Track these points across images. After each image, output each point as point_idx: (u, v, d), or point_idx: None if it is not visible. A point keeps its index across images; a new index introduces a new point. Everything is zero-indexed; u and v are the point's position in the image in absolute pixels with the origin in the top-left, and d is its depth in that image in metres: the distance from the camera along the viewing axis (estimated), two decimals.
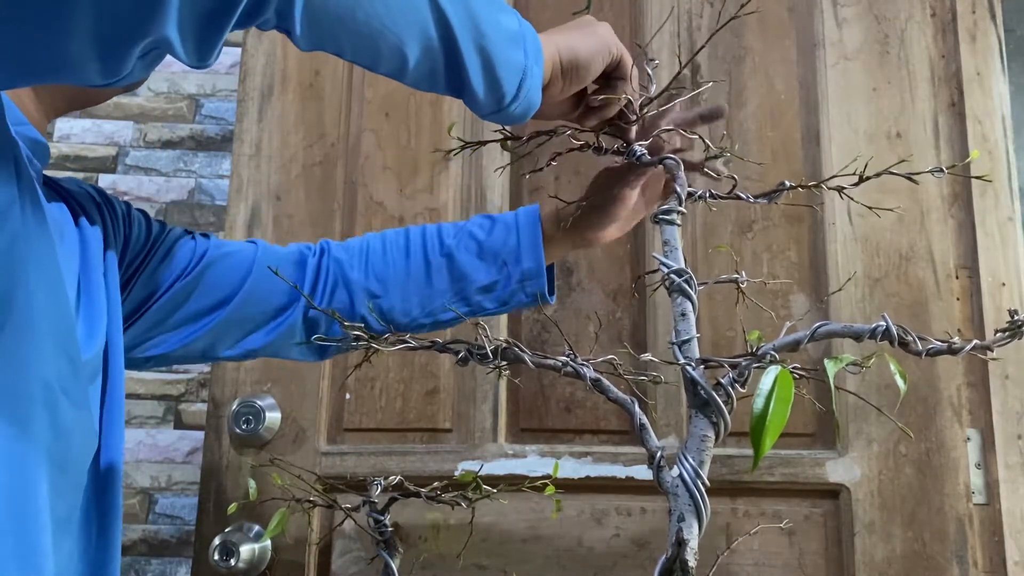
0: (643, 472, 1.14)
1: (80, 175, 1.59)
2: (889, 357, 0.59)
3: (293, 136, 1.29)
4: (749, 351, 0.60)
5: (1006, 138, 1.22)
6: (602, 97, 0.69)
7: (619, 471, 1.15)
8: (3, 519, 0.51)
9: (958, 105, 1.23)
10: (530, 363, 0.63)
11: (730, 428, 0.60)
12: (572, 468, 1.16)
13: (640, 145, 0.74)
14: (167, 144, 1.62)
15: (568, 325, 1.21)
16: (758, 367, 0.59)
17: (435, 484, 0.75)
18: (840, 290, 1.15)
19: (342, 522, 1.12)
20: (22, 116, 0.64)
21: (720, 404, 0.59)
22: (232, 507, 0.82)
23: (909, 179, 0.67)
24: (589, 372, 0.62)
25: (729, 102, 1.26)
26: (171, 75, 1.65)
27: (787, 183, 0.69)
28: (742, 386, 0.59)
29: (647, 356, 0.65)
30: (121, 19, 0.40)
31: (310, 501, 0.79)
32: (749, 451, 1.13)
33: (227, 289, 0.83)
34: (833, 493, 1.14)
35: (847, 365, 0.58)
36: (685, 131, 0.78)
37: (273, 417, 1.19)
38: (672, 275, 0.64)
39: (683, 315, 0.63)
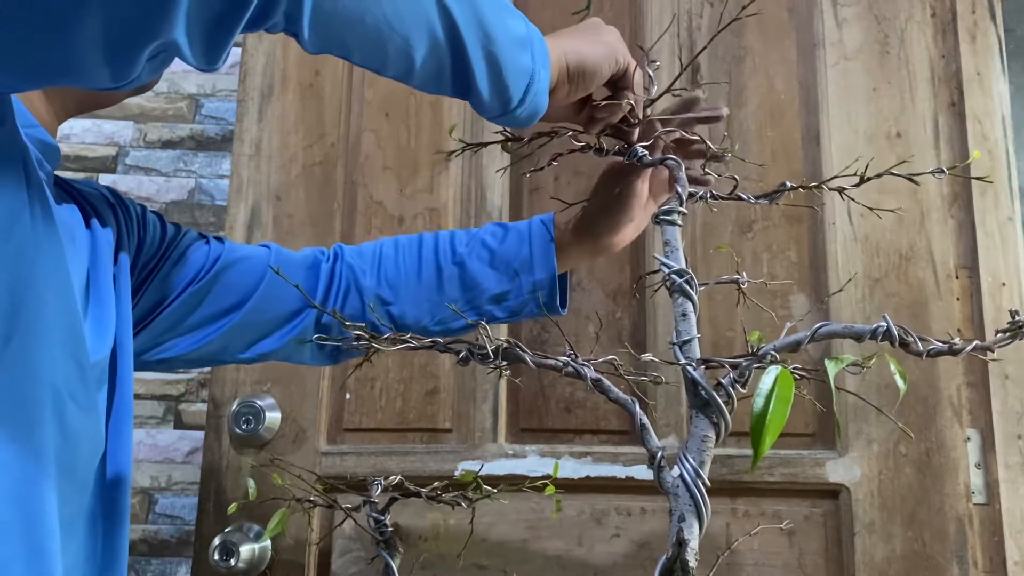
0: (643, 472, 1.14)
1: (80, 175, 1.59)
2: (889, 357, 0.59)
3: (293, 136, 1.29)
4: (750, 351, 0.60)
5: (1006, 138, 1.22)
6: (606, 102, 0.69)
7: (619, 471, 1.15)
8: (12, 522, 0.51)
9: (958, 105, 1.23)
10: (531, 363, 0.63)
11: (730, 428, 0.60)
12: (572, 468, 1.15)
13: (641, 146, 0.74)
14: (167, 144, 1.62)
15: (568, 325, 1.21)
16: (759, 367, 0.59)
17: (435, 484, 0.75)
18: (841, 291, 1.15)
19: (342, 522, 1.12)
20: (32, 118, 0.64)
21: (721, 404, 0.59)
22: (232, 507, 0.82)
23: (910, 180, 0.67)
24: (590, 372, 0.62)
25: (729, 102, 1.26)
26: (171, 75, 1.65)
27: (788, 183, 0.69)
28: (743, 386, 0.59)
29: (648, 356, 0.65)
30: (130, 22, 0.40)
31: (310, 501, 0.79)
32: (749, 451, 1.13)
33: (241, 293, 0.83)
34: (833, 493, 1.14)
35: (848, 366, 0.58)
36: (686, 131, 0.78)
37: (273, 417, 1.19)
38: (673, 275, 0.64)
39: (684, 315, 0.63)
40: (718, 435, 0.59)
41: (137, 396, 1.52)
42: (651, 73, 0.74)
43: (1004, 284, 1.17)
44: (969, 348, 0.55)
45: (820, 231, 1.21)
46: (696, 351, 0.62)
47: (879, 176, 0.67)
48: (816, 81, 1.25)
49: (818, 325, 0.58)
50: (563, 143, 0.75)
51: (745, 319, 1.12)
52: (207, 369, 1.47)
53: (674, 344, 0.63)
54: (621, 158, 0.75)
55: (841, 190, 0.69)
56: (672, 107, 0.80)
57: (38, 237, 0.54)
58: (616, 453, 1.16)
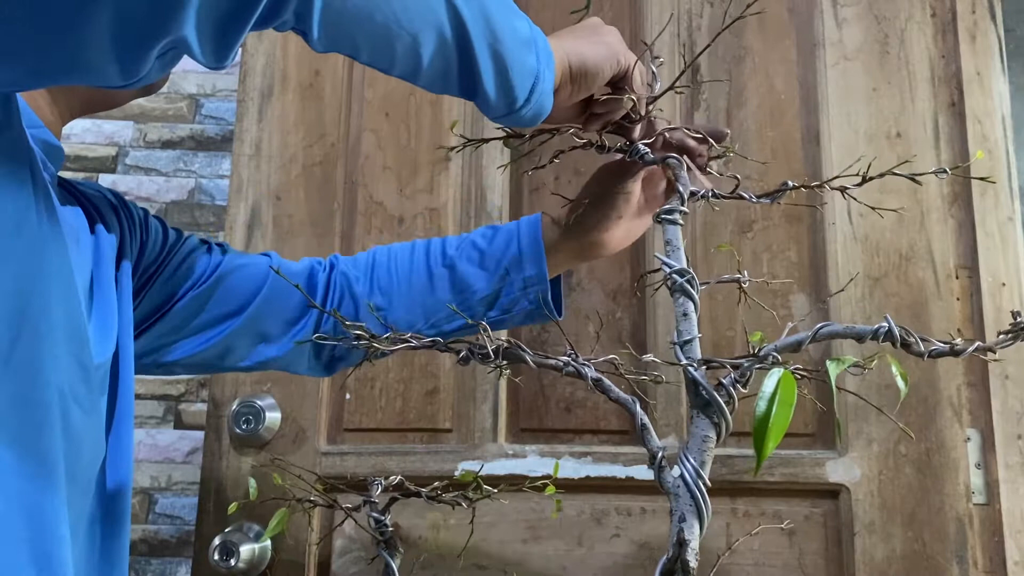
0: (643, 472, 1.14)
1: (80, 175, 1.59)
2: (891, 358, 0.59)
3: (293, 136, 1.29)
4: (751, 352, 0.60)
5: (1006, 138, 1.22)
6: (606, 97, 0.69)
7: (619, 471, 1.15)
8: (20, 529, 0.51)
9: (958, 105, 1.23)
10: (531, 363, 0.62)
11: (731, 429, 0.60)
12: (572, 468, 1.15)
13: (643, 144, 0.74)
14: (167, 144, 1.62)
15: (568, 325, 1.21)
16: (760, 368, 0.59)
17: (435, 484, 0.75)
18: (842, 291, 1.15)
19: (342, 522, 1.12)
20: (37, 119, 0.64)
21: (722, 405, 0.59)
22: (232, 507, 0.82)
23: (912, 180, 0.67)
24: (591, 372, 0.62)
25: (729, 102, 1.26)
26: (171, 75, 1.65)
27: (790, 183, 0.69)
28: (743, 386, 0.59)
29: (649, 357, 0.65)
30: (140, 19, 0.40)
31: (310, 501, 0.79)
32: (750, 451, 1.13)
33: (241, 299, 0.83)
34: (833, 493, 1.14)
35: (850, 367, 0.58)
36: (688, 131, 0.78)
37: (273, 417, 1.19)
38: (674, 275, 0.64)
39: (685, 315, 0.63)
40: (719, 435, 0.59)
41: (137, 396, 1.52)
42: (654, 69, 0.74)
43: (1004, 284, 1.17)
44: (971, 349, 0.55)
45: (820, 231, 1.21)
46: (697, 351, 0.62)
47: (881, 176, 0.66)
48: (816, 81, 1.25)
49: (820, 326, 0.58)
50: (564, 140, 0.75)
51: (746, 319, 1.12)
52: None
53: (675, 344, 0.63)
54: (622, 155, 0.75)
55: (843, 190, 0.69)
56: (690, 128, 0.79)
57: (44, 238, 0.54)
58: (616, 453, 1.16)
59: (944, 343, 0.55)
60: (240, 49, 1.51)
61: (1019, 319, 0.53)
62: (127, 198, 0.79)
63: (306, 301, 0.84)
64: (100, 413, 0.62)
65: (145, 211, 0.80)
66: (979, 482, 1.13)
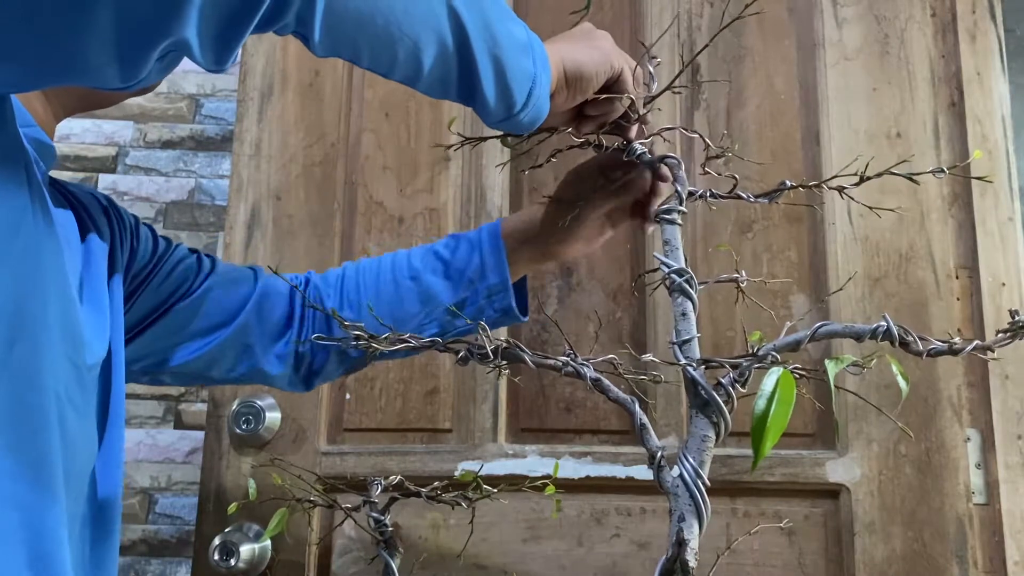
0: (643, 472, 1.14)
1: (80, 175, 1.59)
2: (891, 358, 0.59)
3: (293, 136, 1.29)
4: (750, 351, 0.60)
5: (1006, 138, 1.22)
6: (604, 96, 0.70)
7: (619, 471, 1.15)
8: (16, 531, 0.50)
9: (958, 105, 1.23)
10: (530, 363, 0.63)
11: (730, 428, 0.60)
12: (572, 468, 1.15)
13: (640, 143, 0.74)
14: (167, 144, 1.62)
15: (568, 325, 1.21)
16: (759, 367, 0.59)
17: (435, 484, 0.75)
18: (840, 290, 1.15)
19: (342, 522, 1.12)
20: (30, 118, 0.64)
21: (721, 404, 0.59)
22: (232, 507, 0.82)
23: (910, 179, 0.67)
24: (589, 372, 0.62)
25: (729, 102, 1.26)
26: (171, 75, 1.65)
27: (788, 183, 0.69)
28: (742, 386, 0.59)
29: (648, 356, 0.65)
30: (142, 20, 0.40)
31: (310, 501, 0.79)
32: (749, 451, 1.13)
33: (229, 312, 0.84)
34: (833, 493, 1.14)
35: (848, 366, 0.58)
36: (686, 130, 0.78)
37: (273, 417, 1.19)
38: (673, 275, 0.64)
39: (684, 315, 0.63)
40: (718, 435, 0.59)
41: (137, 396, 1.52)
42: (651, 69, 0.75)
43: (1004, 284, 1.17)
44: (969, 348, 0.55)
45: (820, 231, 1.21)
46: (696, 350, 0.62)
47: (879, 175, 0.66)
48: (816, 81, 1.25)
49: (818, 325, 0.58)
50: (562, 139, 0.75)
51: (746, 319, 1.12)
52: None
53: (674, 344, 0.63)
54: (620, 155, 0.76)
55: (841, 189, 0.69)
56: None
57: (40, 239, 0.53)
58: (616, 453, 1.16)
59: (943, 342, 0.55)
60: (240, 50, 1.51)
61: (1017, 318, 0.53)
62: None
63: (288, 316, 0.86)
64: (93, 415, 0.62)
65: (136, 217, 0.81)
66: (979, 482, 1.13)
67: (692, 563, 0.56)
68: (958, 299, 1.18)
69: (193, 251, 0.85)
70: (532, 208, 0.89)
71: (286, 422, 1.20)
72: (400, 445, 1.20)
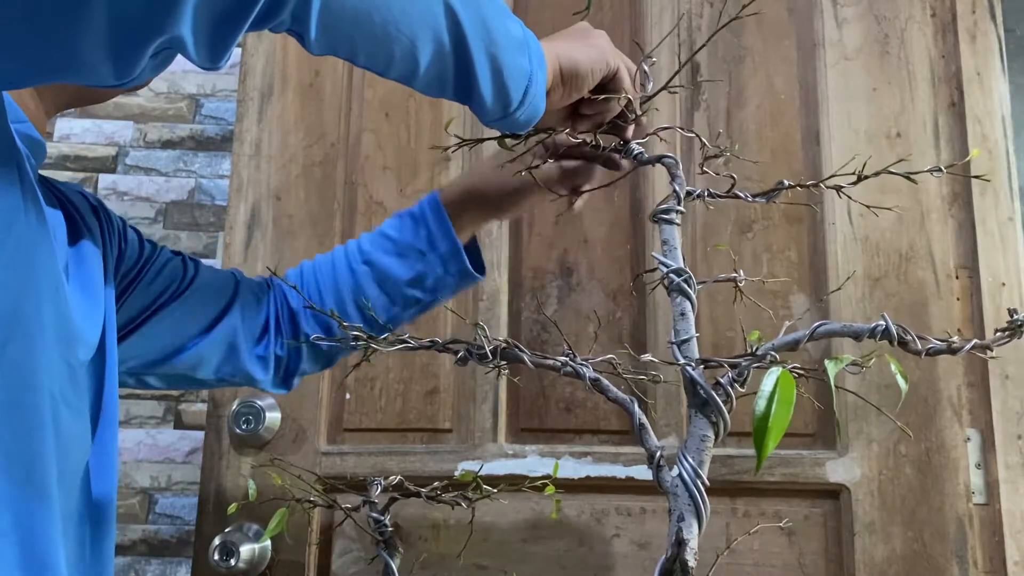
0: (643, 472, 1.14)
1: (80, 175, 1.59)
2: (890, 357, 0.59)
3: (293, 136, 1.29)
4: (749, 351, 0.60)
5: (1006, 138, 1.22)
6: (602, 97, 0.70)
7: (619, 471, 1.15)
8: (10, 533, 0.50)
9: (958, 105, 1.23)
10: (529, 363, 0.63)
11: (729, 428, 0.60)
12: (572, 468, 1.15)
13: (637, 143, 0.74)
14: (167, 144, 1.62)
15: (568, 325, 1.21)
16: (758, 367, 0.59)
17: (435, 484, 0.75)
18: (839, 290, 1.15)
19: (342, 522, 1.12)
20: (21, 114, 0.64)
21: (720, 404, 0.59)
22: (232, 507, 0.82)
23: (908, 179, 0.67)
24: (588, 372, 0.62)
25: (729, 102, 1.26)
26: (171, 75, 1.65)
27: (786, 182, 0.69)
28: (741, 386, 0.59)
29: (647, 356, 0.65)
30: (136, 17, 0.40)
31: (310, 501, 0.79)
32: (749, 451, 1.13)
33: (212, 314, 0.85)
34: (833, 493, 1.14)
35: (847, 365, 0.58)
36: (684, 129, 0.78)
37: (273, 417, 1.19)
38: (671, 275, 0.64)
39: (682, 315, 0.63)
40: (717, 435, 0.59)
41: (137, 396, 1.52)
42: (646, 68, 0.75)
43: (1004, 284, 1.17)
44: (968, 347, 0.55)
45: (820, 231, 1.21)
46: (695, 350, 0.62)
47: (876, 175, 0.66)
48: (816, 81, 1.25)
49: (817, 324, 0.58)
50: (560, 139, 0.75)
51: (746, 319, 1.11)
52: None
53: (673, 343, 0.63)
54: (618, 155, 0.76)
55: (838, 188, 0.69)
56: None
57: (33, 237, 0.53)
58: (616, 453, 1.16)
59: (941, 341, 0.55)
60: (240, 49, 1.51)
61: (1015, 317, 0.53)
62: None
63: (265, 319, 0.88)
64: (85, 413, 0.62)
65: (123, 220, 0.82)
66: (979, 482, 1.13)
67: (692, 563, 0.56)
68: (958, 299, 1.18)
69: (177, 253, 0.86)
70: (470, 173, 0.92)
71: (286, 422, 1.20)
72: (400, 445, 1.20)
